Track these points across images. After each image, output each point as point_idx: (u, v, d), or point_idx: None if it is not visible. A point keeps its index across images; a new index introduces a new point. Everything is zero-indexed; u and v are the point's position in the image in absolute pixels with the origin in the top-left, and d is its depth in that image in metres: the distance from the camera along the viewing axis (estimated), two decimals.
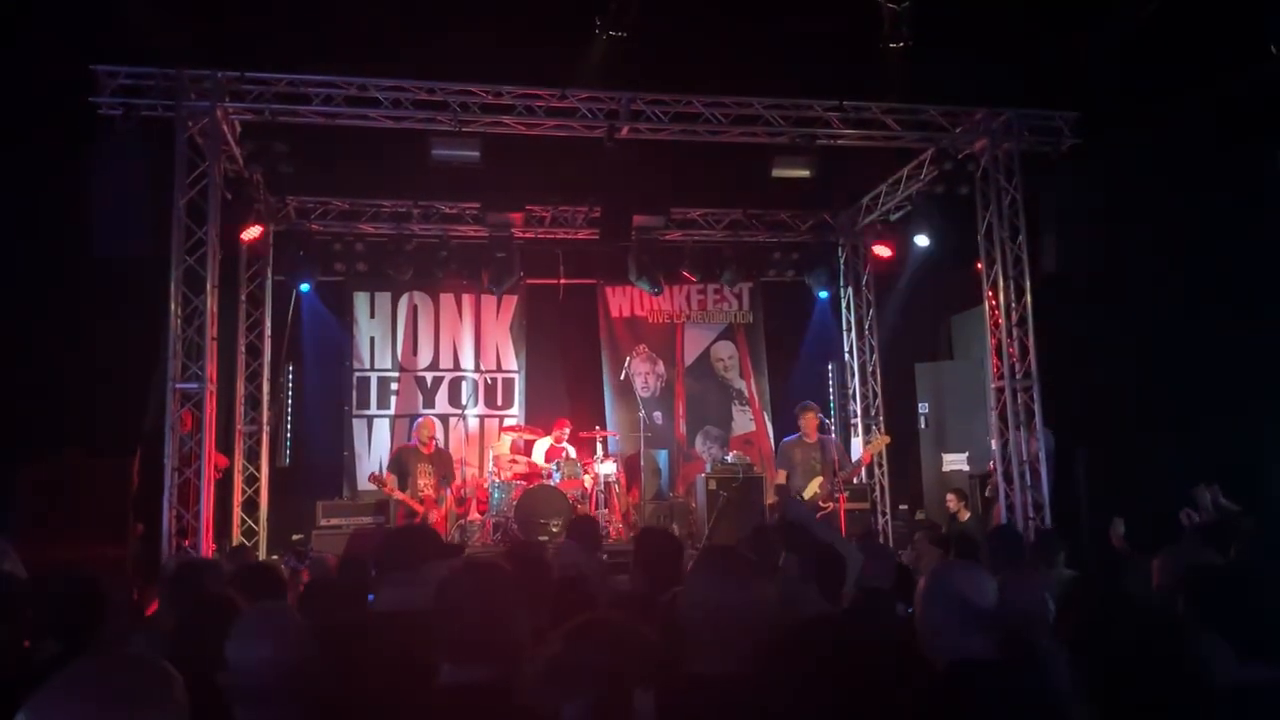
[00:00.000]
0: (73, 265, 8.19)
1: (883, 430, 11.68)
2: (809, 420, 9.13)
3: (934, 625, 2.44)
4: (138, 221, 7.83)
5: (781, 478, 9.11)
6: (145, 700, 1.64)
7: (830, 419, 12.04)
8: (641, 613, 2.79)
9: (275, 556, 9.45)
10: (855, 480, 10.31)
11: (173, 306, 8.07)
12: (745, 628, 2.30)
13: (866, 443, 11.86)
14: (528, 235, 11.86)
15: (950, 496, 10.58)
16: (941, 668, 2.39)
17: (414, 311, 12.35)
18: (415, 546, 3.04)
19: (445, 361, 12.39)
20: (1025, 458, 9.19)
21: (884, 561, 4.27)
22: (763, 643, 2.29)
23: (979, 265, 9.87)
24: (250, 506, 10.48)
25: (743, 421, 12.91)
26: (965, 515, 10.21)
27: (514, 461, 10.89)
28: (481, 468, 11.58)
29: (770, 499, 9.60)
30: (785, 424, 10.73)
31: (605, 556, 6.85)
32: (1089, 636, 2.21)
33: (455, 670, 2.22)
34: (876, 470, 11.93)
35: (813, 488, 8.78)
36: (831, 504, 8.83)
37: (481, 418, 12.29)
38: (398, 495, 9.58)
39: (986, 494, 10.08)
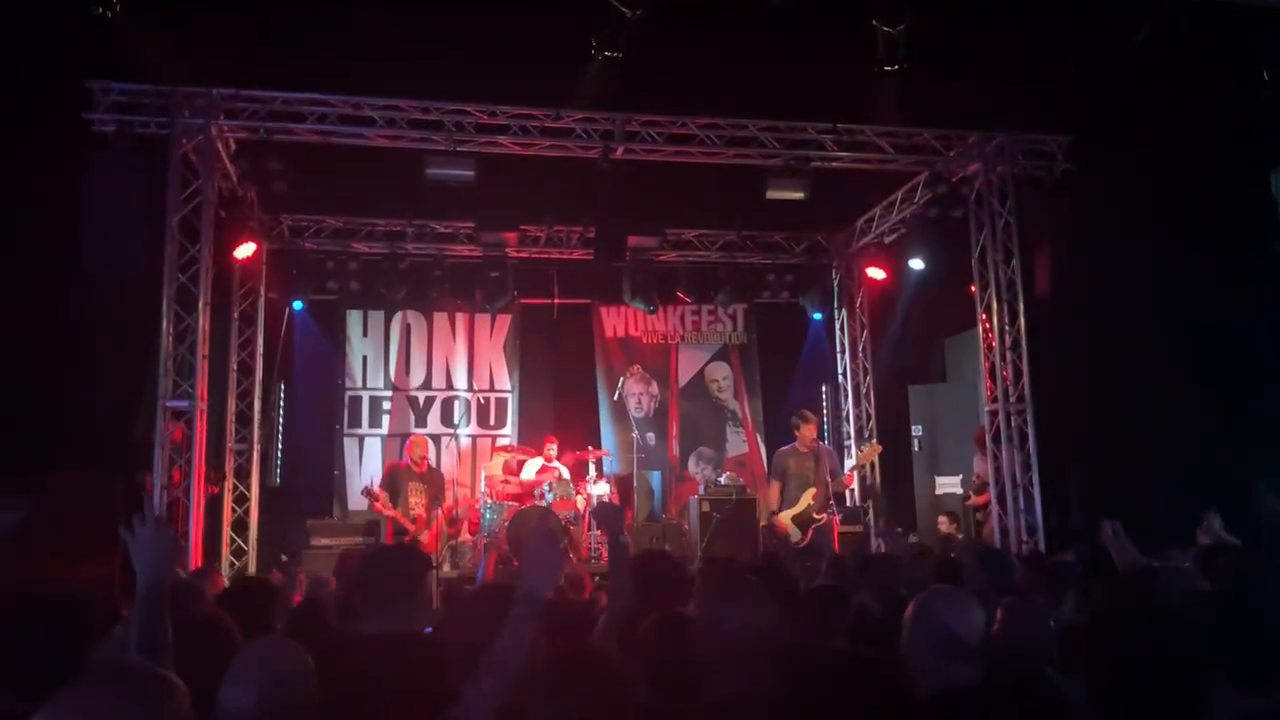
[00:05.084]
0: (62, 281, 8.13)
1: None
2: (808, 430, 8.88)
3: (918, 652, 2.41)
4: (129, 238, 7.80)
5: (774, 491, 8.88)
6: (157, 705, 1.71)
7: (824, 440, 11.99)
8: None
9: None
10: (847, 498, 10.18)
11: (165, 324, 8.04)
12: (762, 648, 2.35)
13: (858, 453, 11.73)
14: (522, 255, 11.85)
15: (942, 519, 10.55)
16: (924, 695, 2.36)
17: (407, 330, 12.32)
18: (400, 568, 2.95)
19: (438, 381, 12.34)
20: (1019, 481, 9.16)
21: None
22: (779, 663, 2.32)
23: (973, 288, 9.87)
24: (240, 526, 10.39)
25: (736, 443, 12.88)
26: (958, 538, 10.18)
27: (506, 482, 10.81)
28: (473, 488, 11.51)
29: (763, 521, 9.47)
30: (778, 445, 10.63)
31: (597, 579, 6.81)
32: (1104, 664, 2.18)
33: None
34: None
35: (805, 499, 8.61)
36: (825, 516, 8.65)
37: (474, 437, 12.24)
38: (389, 512, 9.50)
39: (978, 517, 10.03)
